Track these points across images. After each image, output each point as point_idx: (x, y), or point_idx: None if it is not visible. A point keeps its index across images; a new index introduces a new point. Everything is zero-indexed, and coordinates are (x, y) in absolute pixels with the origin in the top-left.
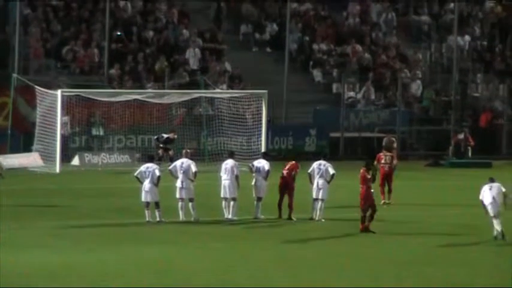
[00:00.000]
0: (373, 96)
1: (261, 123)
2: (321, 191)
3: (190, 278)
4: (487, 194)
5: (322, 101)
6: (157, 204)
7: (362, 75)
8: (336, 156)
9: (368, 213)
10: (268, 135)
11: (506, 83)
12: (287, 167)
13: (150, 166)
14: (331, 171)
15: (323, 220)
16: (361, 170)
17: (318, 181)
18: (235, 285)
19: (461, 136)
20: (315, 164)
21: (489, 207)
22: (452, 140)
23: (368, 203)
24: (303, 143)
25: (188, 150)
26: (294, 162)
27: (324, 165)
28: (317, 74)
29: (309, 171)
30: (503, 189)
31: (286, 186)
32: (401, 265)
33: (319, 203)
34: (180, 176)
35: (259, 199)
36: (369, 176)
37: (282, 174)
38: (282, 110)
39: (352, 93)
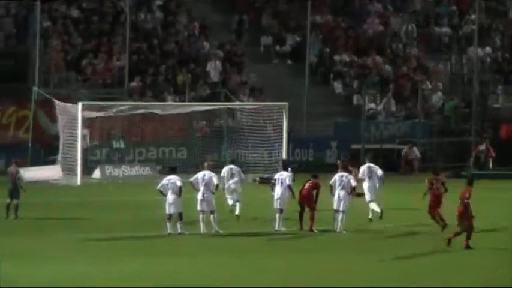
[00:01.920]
0: (393, 108)
1: (281, 135)
2: (341, 203)
3: None
4: None
5: (342, 113)
6: (180, 216)
7: (382, 87)
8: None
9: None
10: (289, 147)
11: None
12: (307, 185)
13: (172, 178)
14: (353, 183)
15: (344, 231)
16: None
17: (339, 192)
18: None
19: (482, 147)
20: (337, 176)
21: None
22: (473, 152)
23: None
24: (323, 155)
25: (210, 163)
26: (316, 181)
27: (346, 177)
28: (337, 86)
29: (331, 182)
30: None
31: (307, 202)
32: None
33: (340, 214)
34: (202, 188)
35: (280, 211)
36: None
37: (301, 191)
38: (302, 122)
39: (372, 105)
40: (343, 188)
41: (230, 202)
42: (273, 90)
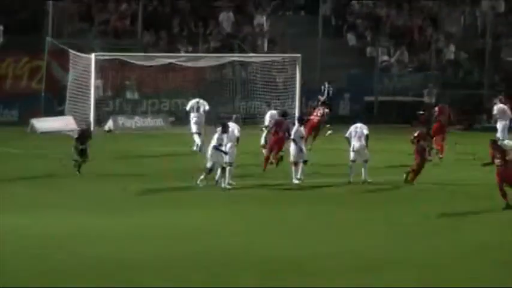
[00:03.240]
0: (406, 60)
1: (294, 87)
2: (359, 154)
3: (214, 242)
4: None
5: (355, 65)
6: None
7: (396, 39)
8: (370, 120)
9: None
10: (302, 100)
11: None
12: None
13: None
14: (365, 131)
15: (369, 180)
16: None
17: (354, 144)
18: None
19: (495, 100)
20: (352, 128)
21: None
22: (486, 105)
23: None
24: (336, 107)
25: (238, 115)
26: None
27: (360, 128)
28: (351, 38)
29: (347, 135)
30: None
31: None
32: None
33: (364, 164)
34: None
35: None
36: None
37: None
38: (315, 74)
39: (386, 57)
40: (359, 139)
41: None
42: (287, 42)
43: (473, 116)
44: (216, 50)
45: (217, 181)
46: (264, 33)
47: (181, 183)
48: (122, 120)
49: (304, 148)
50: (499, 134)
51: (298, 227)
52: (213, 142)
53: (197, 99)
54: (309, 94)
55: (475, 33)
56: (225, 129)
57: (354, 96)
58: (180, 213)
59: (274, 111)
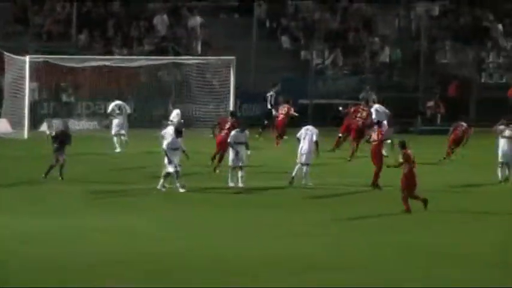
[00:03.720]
0: (341, 63)
1: (229, 90)
2: (304, 156)
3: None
4: None
5: (290, 68)
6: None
7: (330, 42)
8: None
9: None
10: (237, 102)
11: (474, 50)
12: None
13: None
14: (315, 137)
15: (310, 184)
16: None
17: (303, 145)
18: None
19: (430, 103)
20: (303, 129)
21: None
22: (421, 108)
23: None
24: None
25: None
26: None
27: (310, 131)
28: (285, 41)
29: (298, 135)
30: None
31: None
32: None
33: (304, 167)
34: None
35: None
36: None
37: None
38: (250, 77)
39: (320, 60)
40: (308, 141)
41: None
42: (221, 44)
43: (409, 119)
44: (151, 53)
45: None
46: (198, 36)
47: (122, 186)
48: (56, 123)
49: (243, 153)
50: None
51: (239, 230)
52: (165, 145)
53: (117, 102)
54: (244, 96)
55: (410, 36)
56: (178, 134)
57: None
58: (123, 217)
59: (178, 110)
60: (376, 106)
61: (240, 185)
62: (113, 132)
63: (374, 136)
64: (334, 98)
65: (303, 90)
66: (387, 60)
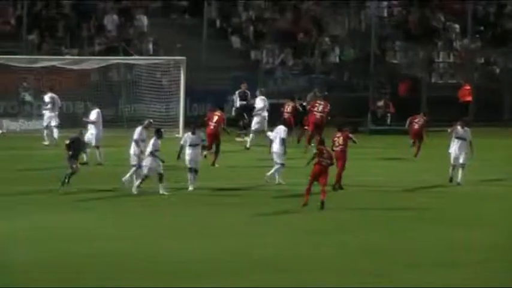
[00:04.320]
0: (291, 63)
1: (179, 90)
2: (275, 155)
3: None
4: None
5: (240, 67)
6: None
7: (281, 42)
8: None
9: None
10: (187, 102)
11: (424, 49)
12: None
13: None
14: (282, 135)
15: (282, 182)
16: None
17: (274, 145)
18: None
19: (380, 103)
20: (275, 130)
21: None
22: (371, 108)
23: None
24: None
25: (150, 120)
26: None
27: (280, 131)
28: (235, 41)
29: (271, 137)
30: None
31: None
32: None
33: (277, 166)
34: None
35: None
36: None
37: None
38: (200, 77)
39: (270, 60)
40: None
41: None
42: (171, 44)
43: (359, 119)
44: (101, 53)
45: (124, 183)
46: (148, 36)
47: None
48: (6, 122)
49: (198, 155)
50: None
51: (182, 230)
52: (149, 148)
53: (51, 94)
54: (194, 96)
55: (360, 36)
56: (159, 135)
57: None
58: (70, 216)
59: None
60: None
61: (190, 188)
62: (44, 124)
63: (339, 140)
64: (284, 98)
65: (253, 89)
66: (337, 60)
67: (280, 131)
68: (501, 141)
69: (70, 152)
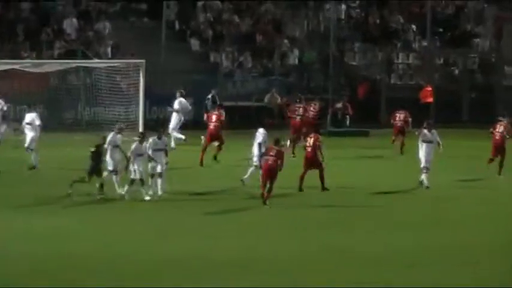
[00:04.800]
0: (250, 65)
1: (138, 93)
2: (254, 158)
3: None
4: None
5: (199, 70)
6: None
7: (239, 44)
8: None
9: None
10: (146, 105)
11: (383, 51)
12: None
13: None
14: (258, 138)
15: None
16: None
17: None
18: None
19: (339, 105)
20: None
21: None
22: (330, 109)
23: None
24: None
25: (122, 125)
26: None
27: (258, 134)
28: (194, 43)
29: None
30: None
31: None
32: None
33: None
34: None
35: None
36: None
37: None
38: (160, 80)
39: (229, 62)
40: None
41: None
42: (130, 47)
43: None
44: (60, 56)
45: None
46: (107, 39)
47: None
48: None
49: (163, 160)
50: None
51: (145, 232)
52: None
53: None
54: (153, 99)
55: (319, 38)
56: (143, 139)
57: (198, 101)
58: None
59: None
60: (181, 99)
61: (160, 192)
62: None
63: (310, 141)
64: (244, 100)
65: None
66: (296, 62)
67: (259, 134)
68: (461, 142)
69: (93, 162)
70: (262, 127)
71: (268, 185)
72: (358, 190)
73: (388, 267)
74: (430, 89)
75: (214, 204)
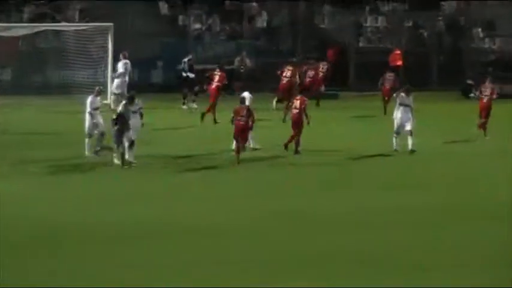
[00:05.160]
0: (218, 28)
1: (107, 56)
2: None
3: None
4: None
5: (168, 33)
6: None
7: (208, 7)
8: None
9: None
10: (115, 68)
11: (352, 14)
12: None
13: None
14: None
15: (257, 147)
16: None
17: None
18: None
19: (306, 68)
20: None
21: None
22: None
23: None
24: (149, 75)
25: (100, 87)
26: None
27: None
28: (163, 6)
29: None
30: None
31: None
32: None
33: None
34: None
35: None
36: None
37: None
38: (128, 43)
39: (198, 25)
40: None
41: None
42: (98, 11)
43: None
44: (29, 20)
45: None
46: (75, 3)
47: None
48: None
49: (137, 125)
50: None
51: (122, 196)
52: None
53: None
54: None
55: (288, 1)
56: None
57: (167, 64)
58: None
59: None
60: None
61: (133, 161)
62: None
63: (296, 103)
64: (213, 64)
65: (182, 55)
66: (265, 25)
67: (246, 98)
68: (430, 106)
69: (117, 127)
70: (243, 90)
71: (240, 144)
72: (335, 152)
73: (347, 228)
74: (399, 52)
75: (190, 167)
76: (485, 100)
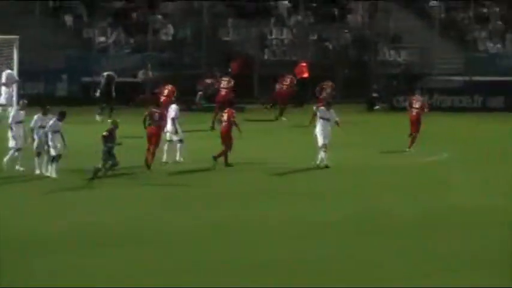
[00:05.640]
0: (123, 41)
1: (12, 69)
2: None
3: None
4: None
5: (73, 45)
6: None
7: (113, 20)
8: (88, 101)
9: None
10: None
11: (257, 27)
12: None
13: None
14: (173, 114)
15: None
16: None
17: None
18: None
19: (209, 81)
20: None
21: None
22: (200, 85)
23: None
24: (54, 88)
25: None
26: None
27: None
28: (68, 19)
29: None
30: None
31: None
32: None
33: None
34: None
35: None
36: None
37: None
38: (33, 55)
39: (103, 38)
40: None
41: None
42: (3, 23)
43: (191, 97)
44: None
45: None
46: None
47: None
48: None
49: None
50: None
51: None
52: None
53: None
54: (27, 75)
55: (193, 14)
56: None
57: (72, 77)
58: None
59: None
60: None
61: (54, 175)
62: None
63: (224, 117)
64: (119, 76)
65: (86, 68)
66: (170, 38)
67: (171, 110)
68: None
69: (108, 145)
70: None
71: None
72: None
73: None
74: (305, 64)
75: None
76: (414, 113)
